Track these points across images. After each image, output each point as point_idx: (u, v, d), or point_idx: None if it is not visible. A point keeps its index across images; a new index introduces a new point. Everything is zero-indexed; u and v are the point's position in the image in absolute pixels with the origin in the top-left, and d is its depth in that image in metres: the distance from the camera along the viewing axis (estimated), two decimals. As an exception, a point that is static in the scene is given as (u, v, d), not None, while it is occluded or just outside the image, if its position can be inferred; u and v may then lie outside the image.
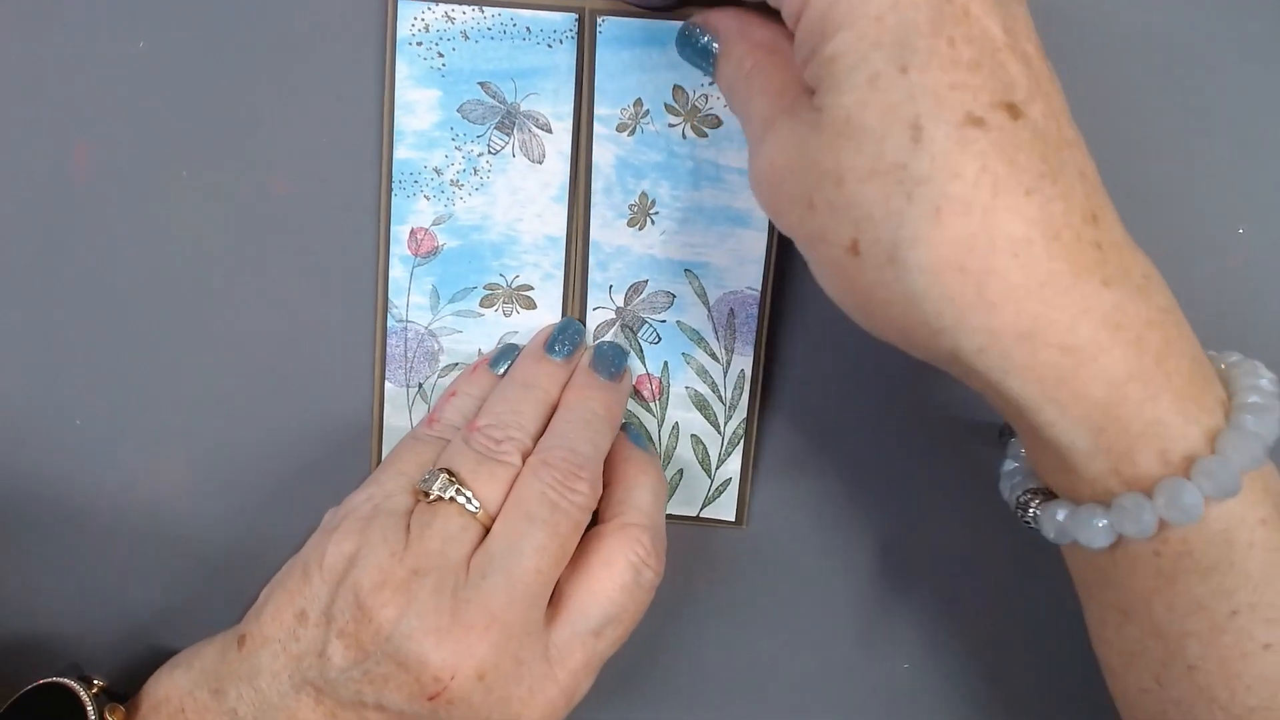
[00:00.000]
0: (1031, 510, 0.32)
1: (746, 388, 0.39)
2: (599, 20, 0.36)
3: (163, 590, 0.44)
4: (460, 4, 0.37)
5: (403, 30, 0.37)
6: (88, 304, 0.41)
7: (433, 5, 0.37)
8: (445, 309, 0.40)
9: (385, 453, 0.40)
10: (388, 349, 0.40)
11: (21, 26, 0.39)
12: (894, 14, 0.26)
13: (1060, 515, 0.30)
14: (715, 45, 0.32)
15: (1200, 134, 0.37)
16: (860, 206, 0.27)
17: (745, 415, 0.40)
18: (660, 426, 0.40)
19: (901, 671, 0.43)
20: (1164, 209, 0.38)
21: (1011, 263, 0.26)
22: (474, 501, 0.34)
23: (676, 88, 0.37)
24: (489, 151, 0.38)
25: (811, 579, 0.42)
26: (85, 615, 0.44)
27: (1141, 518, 0.28)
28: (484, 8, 0.37)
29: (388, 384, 0.40)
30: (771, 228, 0.38)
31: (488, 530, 0.34)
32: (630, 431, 0.40)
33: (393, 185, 0.39)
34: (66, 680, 0.36)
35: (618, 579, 0.35)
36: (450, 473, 0.35)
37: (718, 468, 0.41)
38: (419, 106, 0.38)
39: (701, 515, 0.41)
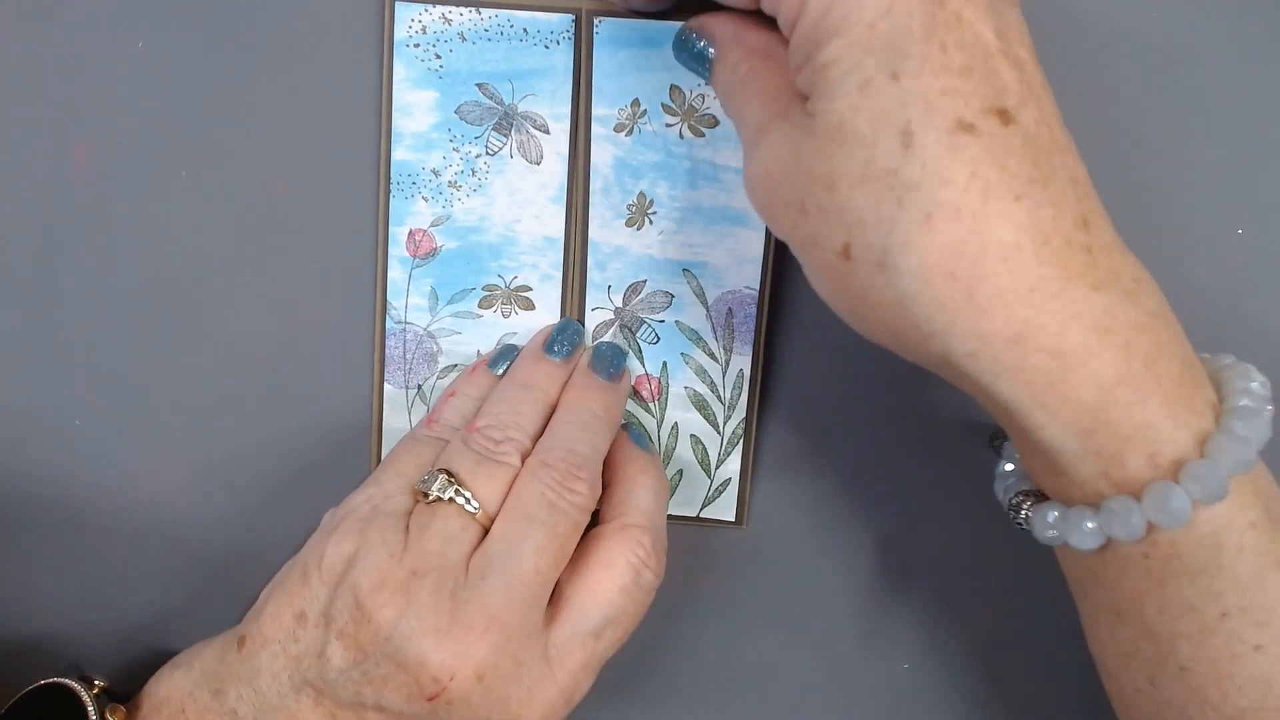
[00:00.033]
0: (1023, 512, 0.32)
1: (745, 387, 0.40)
2: (595, 21, 0.36)
3: (163, 590, 0.44)
4: (457, 6, 0.37)
5: (400, 32, 0.37)
6: (88, 304, 0.41)
7: (430, 7, 0.37)
8: (444, 310, 0.40)
9: (384, 454, 0.41)
10: (387, 350, 0.40)
11: (21, 26, 0.39)
12: (887, 21, 0.26)
13: (1051, 517, 0.31)
14: (711, 50, 0.32)
15: (1200, 134, 0.37)
16: (852, 212, 0.27)
17: (744, 415, 0.40)
18: (659, 427, 0.40)
19: (901, 671, 0.43)
20: (1163, 209, 0.37)
21: (1001, 268, 0.26)
22: (473, 502, 0.34)
23: (673, 88, 0.37)
24: (487, 153, 0.38)
25: (811, 579, 0.42)
26: (86, 616, 0.44)
27: (1130, 520, 0.28)
28: (481, 9, 0.37)
29: (387, 385, 0.41)
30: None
31: (487, 531, 0.34)
32: (632, 432, 0.40)
33: (391, 187, 0.39)
34: (67, 680, 0.37)
35: (618, 580, 0.35)
36: (449, 473, 0.35)
37: (717, 468, 0.41)
38: (416, 108, 0.38)
39: (701, 515, 0.41)
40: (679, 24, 0.34)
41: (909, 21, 0.26)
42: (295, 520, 0.40)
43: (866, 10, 0.26)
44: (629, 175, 0.38)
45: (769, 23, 0.30)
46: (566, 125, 0.38)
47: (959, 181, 0.26)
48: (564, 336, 0.39)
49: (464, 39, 0.37)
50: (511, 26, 0.37)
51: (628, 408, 0.40)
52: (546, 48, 0.37)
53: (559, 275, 0.39)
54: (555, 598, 0.35)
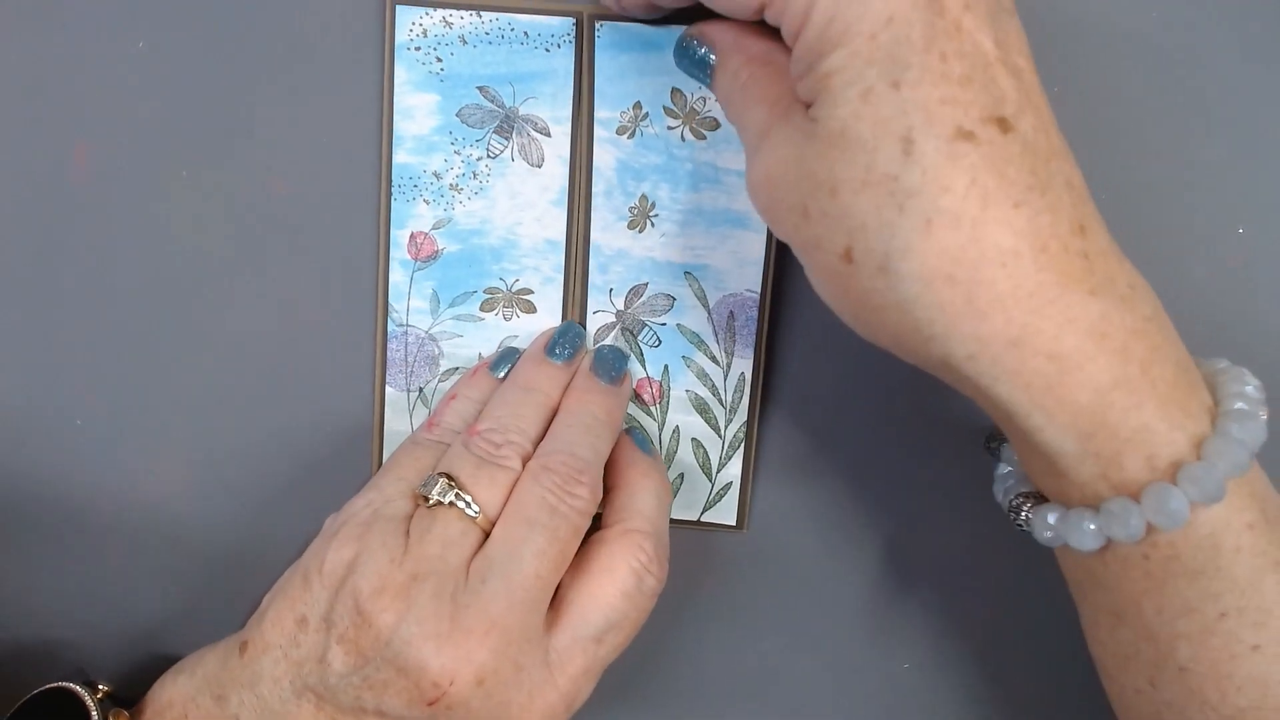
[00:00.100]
0: (1023, 514, 0.32)
1: (747, 391, 0.40)
2: (597, 25, 0.36)
3: (163, 591, 0.44)
4: (458, 9, 0.37)
5: (401, 35, 0.37)
6: (88, 304, 0.41)
7: (431, 10, 0.37)
8: (445, 313, 0.40)
9: (386, 457, 0.41)
10: (388, 353, 0.40)
11: (21, 26, 0.39)
12: (888, 31, 0.26)
13: (1051, 518, 0.31)
14: (712, 57, 0.33)
15: (1200, 134, 0.37)
16: (854, 216, 0.27)
17: (745, 419, 0.40)
18: (661, 430, 0.40)
19: (902, 672, 0.43)
20: (1163, 209, 0.38)
21: (1000, 273, 0.27)
22: (473, 506, 0.34)
23: (675, 91, 0.37)
24: (488, 155, 0.38)
25: (812, 583, 0.42)
26: (86, 616, 0.45)
27: (1129, 522, 0.28)
28: (481, 12, 0.37)
29: (388, 388, 0.41)
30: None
31: (487, 535, 0.34)
32: (635, 435, 0.40)
33: (392, 190, 0.39)
34: (72, 685, 0.37)
35: (619, 585, 0.35)
36: (450, 477, 0.35)
37: (718, 471, 0.41)
38: (418, 111, 0.38)
39: (702, 520, 0.41)
40: (680, 28, 0.34)
41: (909, 32, 0.26)
42: (297, 522, 0.40)
43: (868, 21, 0.26)
44: (631, 178, 0.38)
45: (768, 30, 0.30)
46: (567, 128, 0.38)
47: (959, 188, 0.26)
48: (566, 339, 0.39)
49: (465, 42, 0.37)
50: (512, 30, 0.37)
51: (629, 411, 0.40)
52: (547, 51, 0.37)
53: (560, 278, 0.39)
54: (557, 602, 0.35)
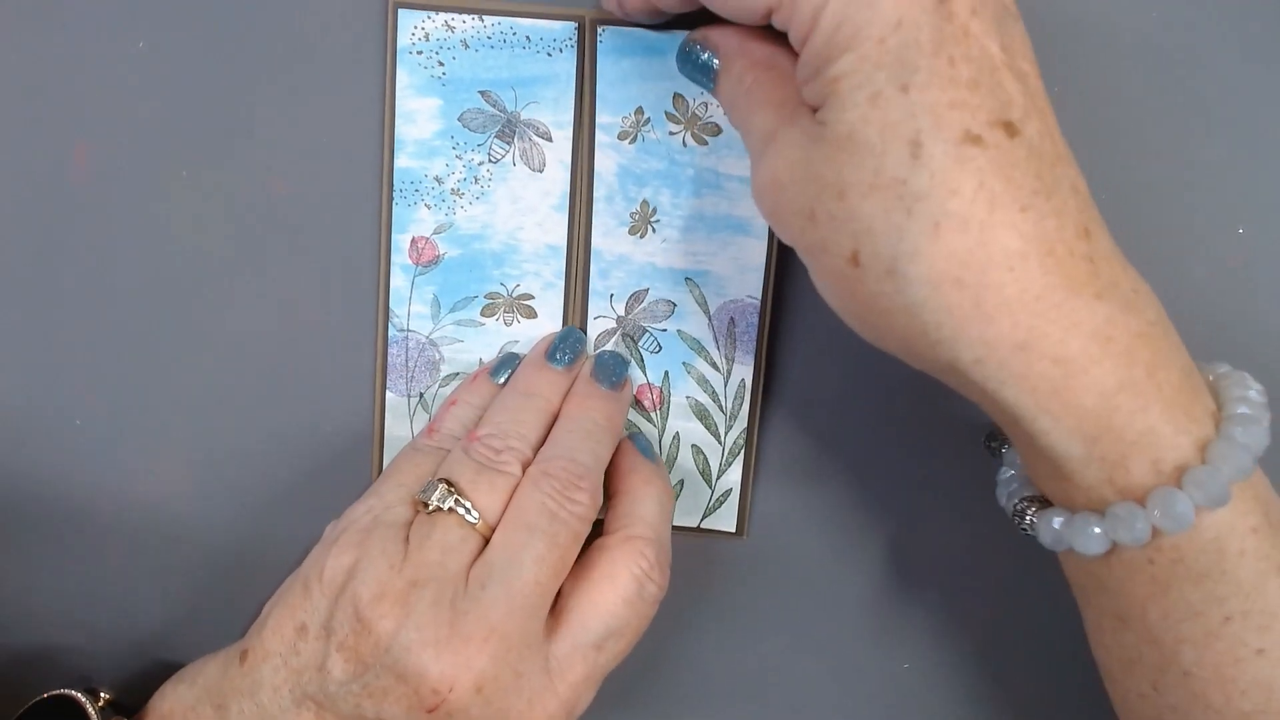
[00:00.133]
0: (1028, 518, 0.32)
1: (747, 397, 0.39)
2: (599, 30, 0.36)
3: (164, 593, 0.44)
4: (460, 13, 0.36)
5: (403, 39, 0.37)
6: (88, 304, 0.41)
7: (433, 14, 0.37)
8: (446, 318, 0.40)
9: (386, 462, 0.40)
10: (389, 358, 0.40)
11: (21, 26, 0.39)
12: (896, 35, 0.26)
13: (1056, 523, 0.31)
14: (715, 62, 0.32)
15: (1200, 134, 0.37)
16: (861, 220, 0.27)
17: (746, 425, 0.40)
18: (661, 436, 0.40)
19: (903, 673, 0.43)
20: (1164, 209, 0.38)
21: (1007, 277, 0.27)
22: (473, 512, 0.34)
23: (677, 96, 0.37)
24: (490, 160, 0.38)
25: (813, 588, 0.42)
26: (86, 617, 0.44)
27: (1135, 526, 0.28)
28: (484, 17, 0.36)
29: (389, 393, 0.40)
30: (772, 236, 0.38)
31: (487, 541, 0.34)
32: (638, 441, 0.39)
33: (394, 194, 0.39)
34: (74, 692, 0.37)
35: (621, 592, 0.35)
36: (449, 483, 0.35)
37: (718, 478, 0.41)
38: (419, 115, 0.38)
39: (702, 526, 0.41)
40: (682, 33, 0.34)
41: (917, 36, 0.26)
42: (297, 525, 0.40)
43: (876, 26, 0.26)
44: (632, 183, 0.38)
45: (771, 34, 0.30)
46: (569, 133, 0.37)
47: (966, 192, 0.26)
48: (566, 345, 0.39)
49: (467, 46, 0.37)
50: (514, 34, 0.37)
51: (629, 417, 0.40)
52: (549, 55, 0.37)
53: (561, 283, 0.39)
54: (557, 609, 0.35)
